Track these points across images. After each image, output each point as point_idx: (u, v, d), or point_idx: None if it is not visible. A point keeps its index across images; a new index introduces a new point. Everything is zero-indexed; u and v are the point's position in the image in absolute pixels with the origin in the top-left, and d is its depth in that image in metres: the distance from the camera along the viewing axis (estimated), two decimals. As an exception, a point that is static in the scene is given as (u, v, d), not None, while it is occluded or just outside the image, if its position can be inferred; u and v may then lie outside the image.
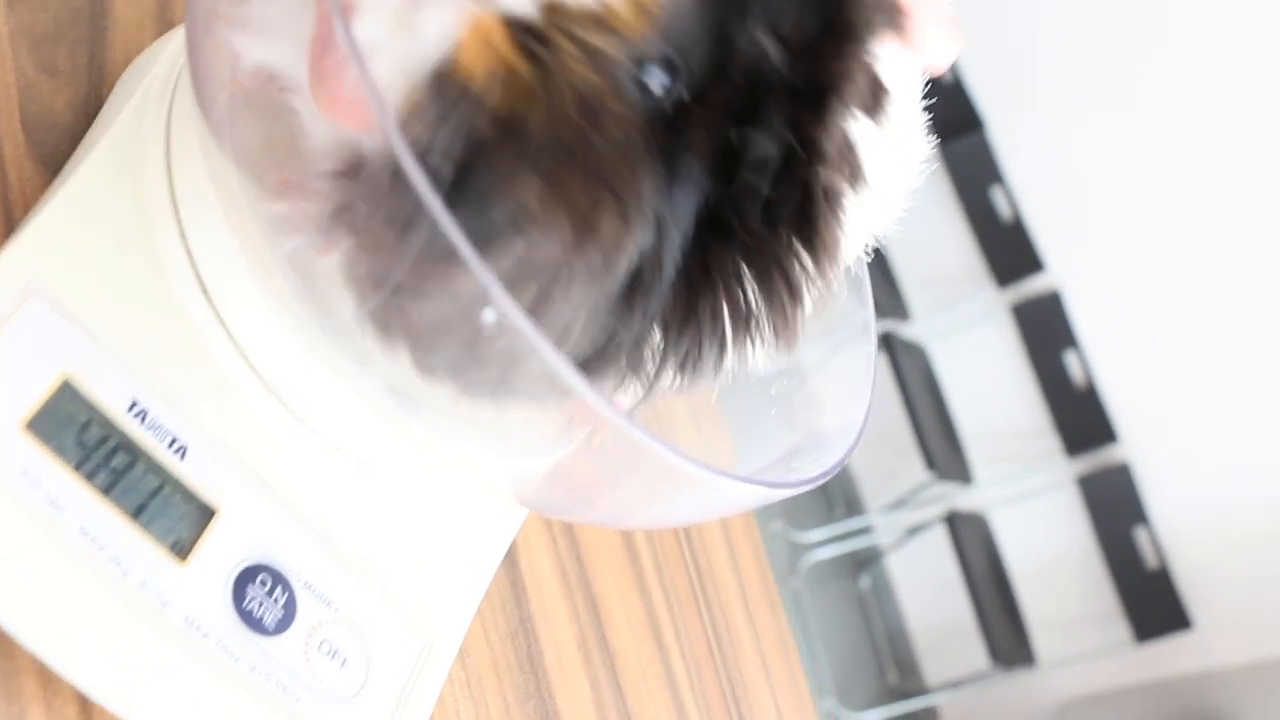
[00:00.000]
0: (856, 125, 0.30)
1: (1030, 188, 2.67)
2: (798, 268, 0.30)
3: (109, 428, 0.33)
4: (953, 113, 2.65)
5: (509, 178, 0.26)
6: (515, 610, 0.48)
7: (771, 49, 0.28)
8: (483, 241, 0.25)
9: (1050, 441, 2.62)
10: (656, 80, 0.28)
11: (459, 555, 0.40)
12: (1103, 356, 2.57)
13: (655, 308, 0.29)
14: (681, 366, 0.31)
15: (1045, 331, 2.63)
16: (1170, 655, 2.43)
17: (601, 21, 0.26)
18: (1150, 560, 2.46)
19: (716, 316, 0.30)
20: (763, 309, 0.30)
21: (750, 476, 0.30)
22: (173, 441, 0.34)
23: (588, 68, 0.26)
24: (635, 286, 0.28)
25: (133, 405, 0.33)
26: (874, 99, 0.30)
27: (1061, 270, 2.63)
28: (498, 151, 0.26)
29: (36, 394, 0.32)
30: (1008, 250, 2.67)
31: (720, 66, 0.28)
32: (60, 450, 0.32)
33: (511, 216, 0.26)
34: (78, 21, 0.41)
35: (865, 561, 2.80)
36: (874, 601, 2.80)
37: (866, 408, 0.35)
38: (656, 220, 0.28)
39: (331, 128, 0.29)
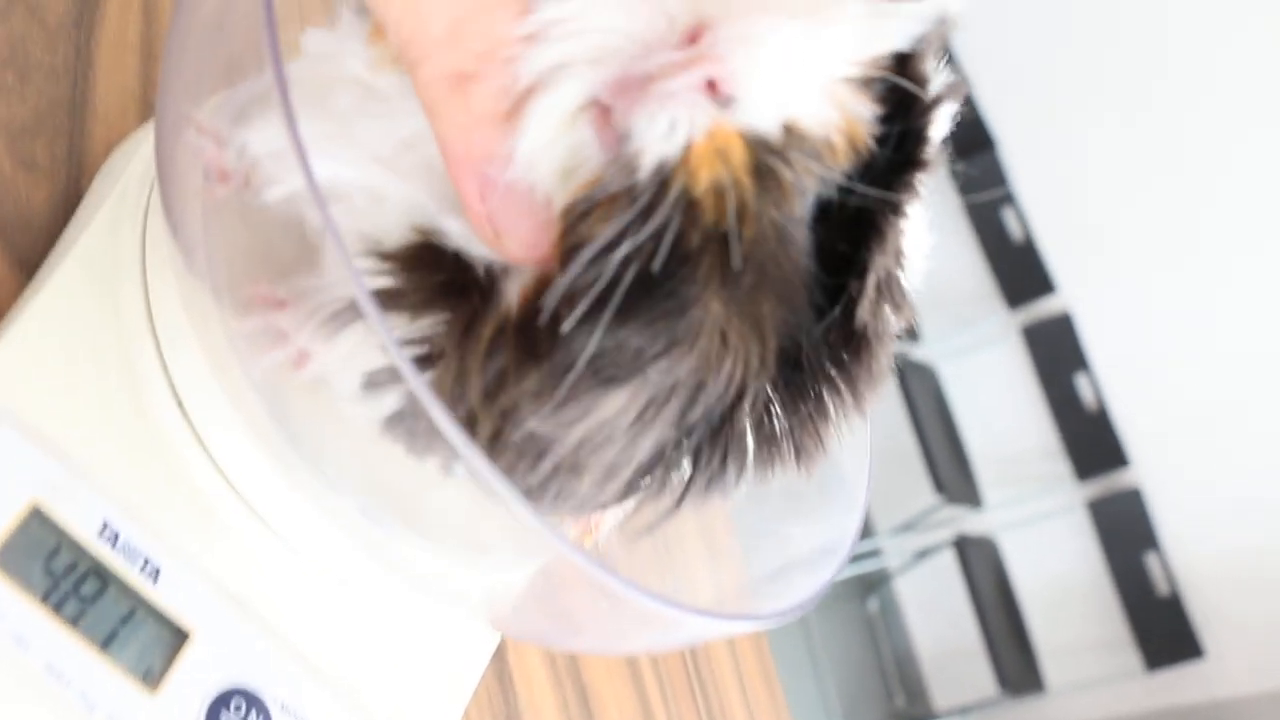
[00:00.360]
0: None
1: (1042, 208, 2.65)
2: (838, 399, 0.30)
3: (78, 553, 0.32)
4: (964, 132, 2.63)
5: (703, 291, 0.25)
6: (502, 703, 0.47)
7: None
8: (644, 354, 0.25)
9: (1060, 465, 2.60)
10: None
11: (440, 670, 0.39)
12: (1114, 379, 2.55)
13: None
14: (706, 487, 0.30)
15: (1056, 353, 2.61)
16: (1181, 684, 2.40)
17: (820, 154, 0.25)
18: (1161, 587, 2.43)
19: (744, 440, 0.29)
20: (794, 435, 0.30)
21: (718, 611, 0.29)
22: (145, 563, 0.33)
23: (794, 200, 0.26)
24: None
25: (104, 528, 0.32)
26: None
27: (1073, 292, 2.60)
28: (697, 262, 0.25)
29: (2, 525, 0.30)
30: (1018, 271, 2.65)
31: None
32: (27, 582, 0.31)
33: (691, 330, 0.25)
34: (57, 112, 0.40)
35: (873, 584, 2.78)
36: (882, 625, 2.78)
37: (853, 534, 0.34)
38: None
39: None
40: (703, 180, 0.24)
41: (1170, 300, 2.50)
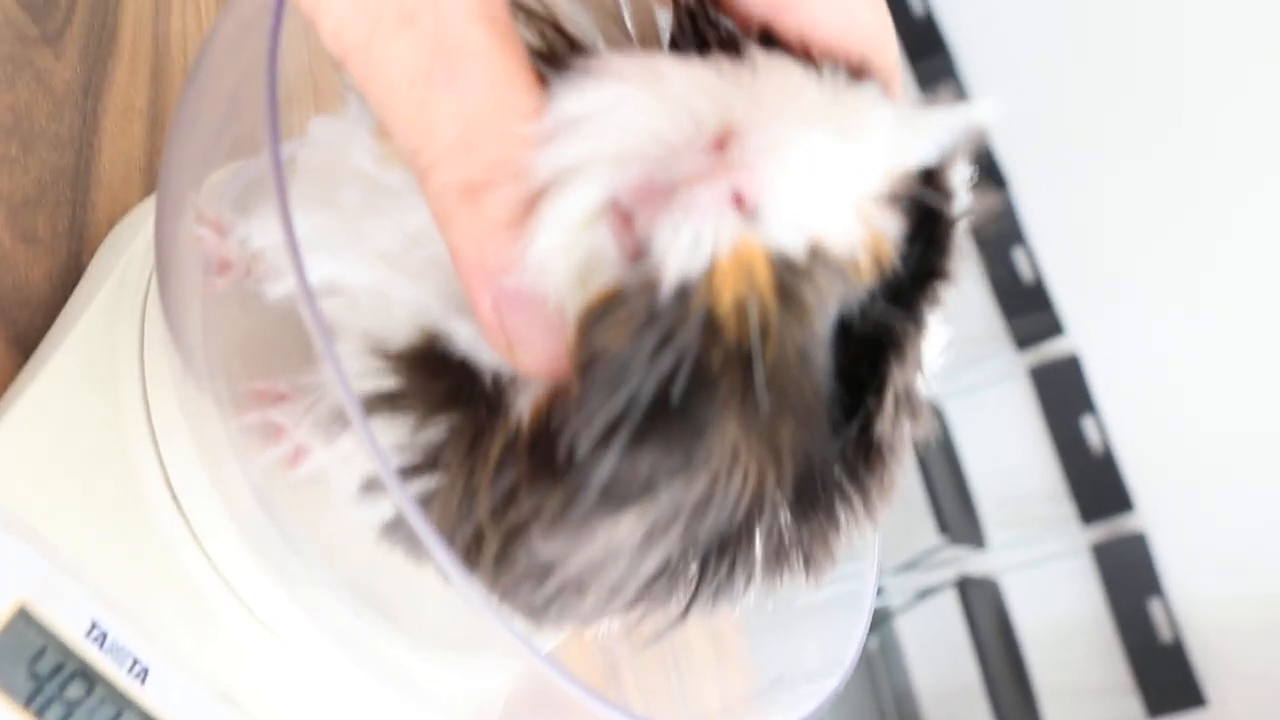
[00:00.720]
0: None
1: (1053, 250, 2.64)
2: (849, 510, 0.29)
3: (65, 654, 0.31)
4: (975, 171, 2.63)
5: (722, 414, 0.24)
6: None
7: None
8: (656, 475, 0.24)
9: (1065, 507, 2.58)
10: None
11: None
12: (1121, 423, 2.53)
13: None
14: (713, 597, 0.29)
15: (1063, 396, 2.59)
16: (1182, 733, 2.38)
17: (845, 273, 0.24)
18: (1164, 633, 2.41)
19: (753, 550, 0.28)
20: (803, 545, 0.29)
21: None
22: (134, 664, 0.32)
23: (817, 320, 0.24)
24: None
25: (92, 628, 0.31)
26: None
27: (1082, 334, 2.59)
28: (717, 384, 0.24)
29: (-13, 629, 0.30)
30: (1027, 312, 2.63)
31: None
32: (10, 687, 0.30)
33: (706, 452, 0.24)
34: (60, 182, 0.39)
35: (874, 622, 2.75)
36: (881, 663, 2.75)
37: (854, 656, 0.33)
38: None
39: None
40: (727, 299, 0.23)
41: (1179, 346, 2.48)
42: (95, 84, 0.42)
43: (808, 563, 0.29)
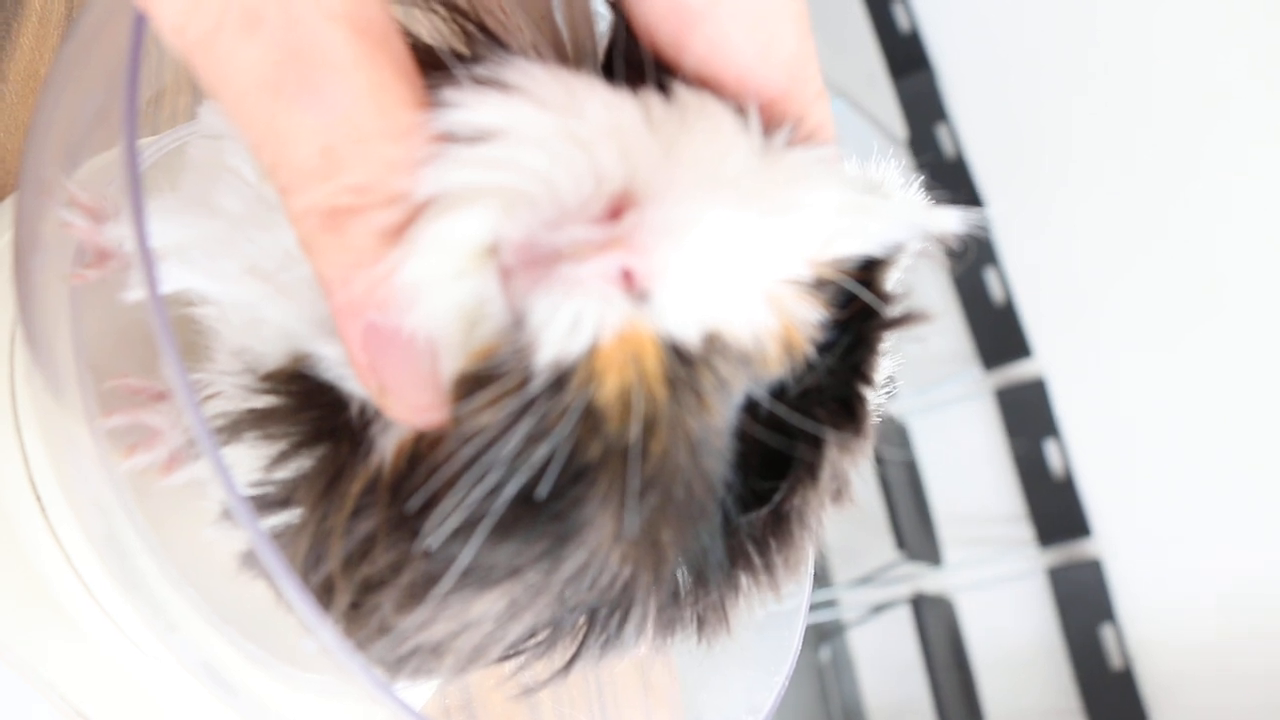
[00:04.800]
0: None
1: (1025, 273, 2.64)
2: (752, 580, 0.27)
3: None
4: (953, 191, 2.63)
5: (598, 513, 0.22)
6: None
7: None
8: (522, 562, 0.22)
9: (1023, 529, 2.58)
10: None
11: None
12: (1083, 449, 2.54)
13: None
14: (601, 648, 0.27)
15: (1027, 418, 2.59)
16: (1127, 761, 2.38)
17: (749, 361, 0.22)
18: (1115, 660, 2.41)
19: (648, 602, 0.26)
20: (698, 609, 0.27)
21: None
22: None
23: (715, 410, 0.22)
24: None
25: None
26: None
27: (1049, 358, 2.60)
28: (594, 478, 0.22)
29: None
30: (996, 333, 2.63)
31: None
32: None
33: (587, 552, 0.22)
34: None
35: (827, 634, 2.76)
36: (833, 674, 2.75)
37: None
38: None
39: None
40: (610, 387, 0.21)
41: (1146, 377, 2.49)
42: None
43: (701, 625, 0.27)
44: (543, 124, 0.21)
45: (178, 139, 0.34)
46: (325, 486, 0.24)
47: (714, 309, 0.21)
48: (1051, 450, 2.56)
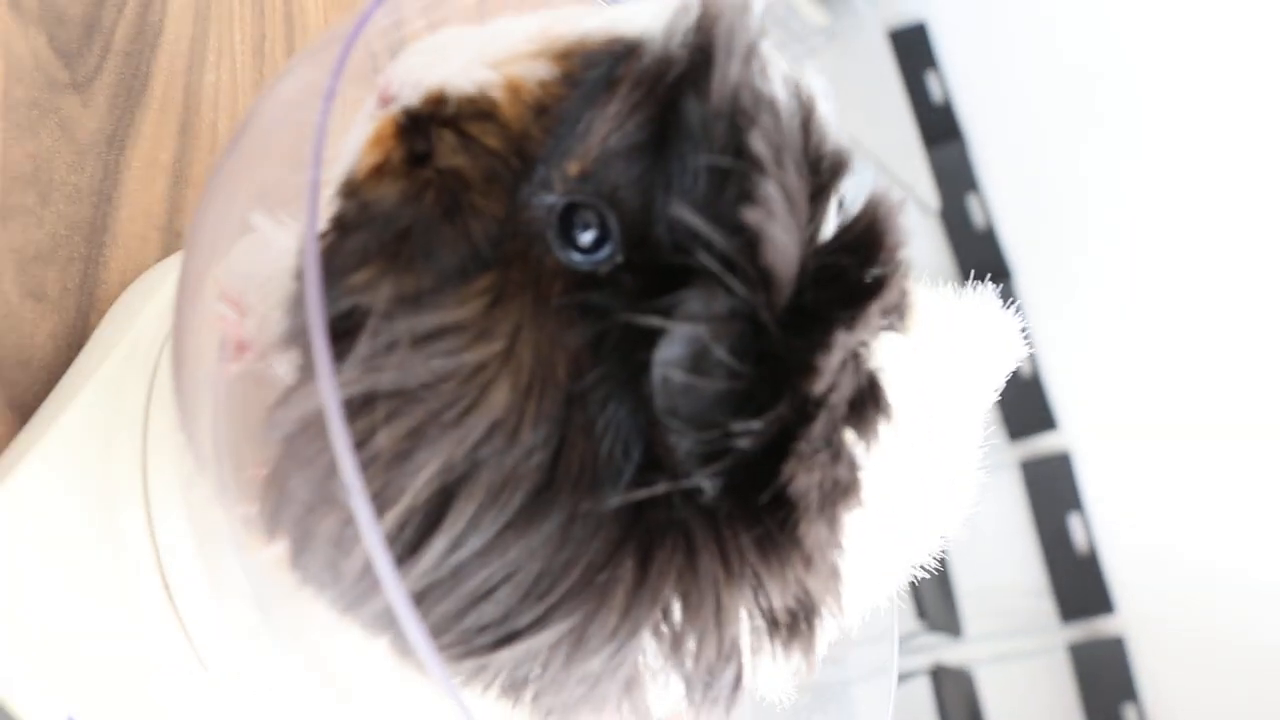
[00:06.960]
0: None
1: (1052, 344, 2.64)
2: (756, 590, 0.26)
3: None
4: (981, 261, 2.64)
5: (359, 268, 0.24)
6: None
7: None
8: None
9: (1045, 604, 2.56)
10: (585, 234, 0.25)
11: None
12: (1108, 525, 2.52)
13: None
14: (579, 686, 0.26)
15: (1052, 491, 2.58)
16: (1149, 846, 2.34)
17: (484, 113, 0.26)
18: (1137, 740, 2.38)
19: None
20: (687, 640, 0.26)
21: None
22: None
23: (464, 158, 0.25)
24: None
25: (64, 722, 0.30)
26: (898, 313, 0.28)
27: (1075, 432, 2.58)
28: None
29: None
30: (1022, 404, 2.63)
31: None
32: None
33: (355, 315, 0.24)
34: (74, 237, 0.38)
35: (845, 703, 2.72)
36: (848, 745, 2.71)
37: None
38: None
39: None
40: (364, 165, 0.25)
41: (1174, 455, 2.47)
42: (121, 135, 0.41)
43: (699, 659, 0.27)
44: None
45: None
46: None
47: (426, 80, 0.26)
48: (1076, 524, 2.54)
